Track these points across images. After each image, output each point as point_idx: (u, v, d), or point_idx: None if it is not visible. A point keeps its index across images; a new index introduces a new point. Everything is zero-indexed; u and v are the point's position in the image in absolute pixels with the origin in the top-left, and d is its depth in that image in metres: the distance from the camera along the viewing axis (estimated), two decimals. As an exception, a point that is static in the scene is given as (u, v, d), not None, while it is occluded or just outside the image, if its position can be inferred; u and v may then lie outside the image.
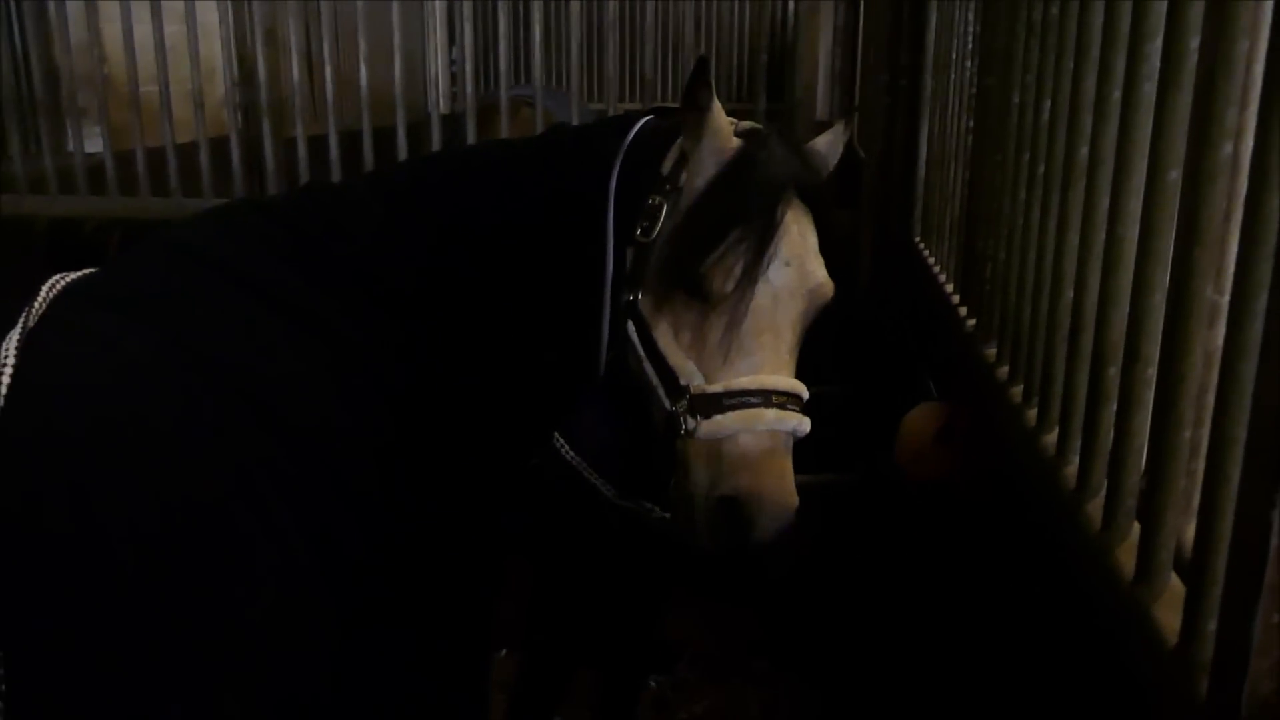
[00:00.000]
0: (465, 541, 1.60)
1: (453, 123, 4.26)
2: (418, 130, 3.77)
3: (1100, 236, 1.48)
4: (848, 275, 1.66)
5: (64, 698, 1.23)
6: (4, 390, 1.27)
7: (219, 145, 3.82)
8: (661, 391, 1.50)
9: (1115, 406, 1.39)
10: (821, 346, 1.65)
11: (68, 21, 3.72)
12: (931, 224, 3.12)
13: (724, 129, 1.56)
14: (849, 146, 1.82)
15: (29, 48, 4.23)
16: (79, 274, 1.49)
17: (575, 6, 3.63)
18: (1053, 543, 1.60)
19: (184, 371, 1.36)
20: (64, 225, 4.04)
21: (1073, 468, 1.54)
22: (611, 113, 3.66)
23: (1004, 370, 1.99)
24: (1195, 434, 1.20)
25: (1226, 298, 1.09)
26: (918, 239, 3.31)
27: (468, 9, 3.77)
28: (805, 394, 1.50)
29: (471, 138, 3.67)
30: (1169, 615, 1.18)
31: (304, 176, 3.75)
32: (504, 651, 2.90)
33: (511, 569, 1.82)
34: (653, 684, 3.12)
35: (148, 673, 1.24)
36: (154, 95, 3.70)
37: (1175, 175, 1.23)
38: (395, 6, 3.62)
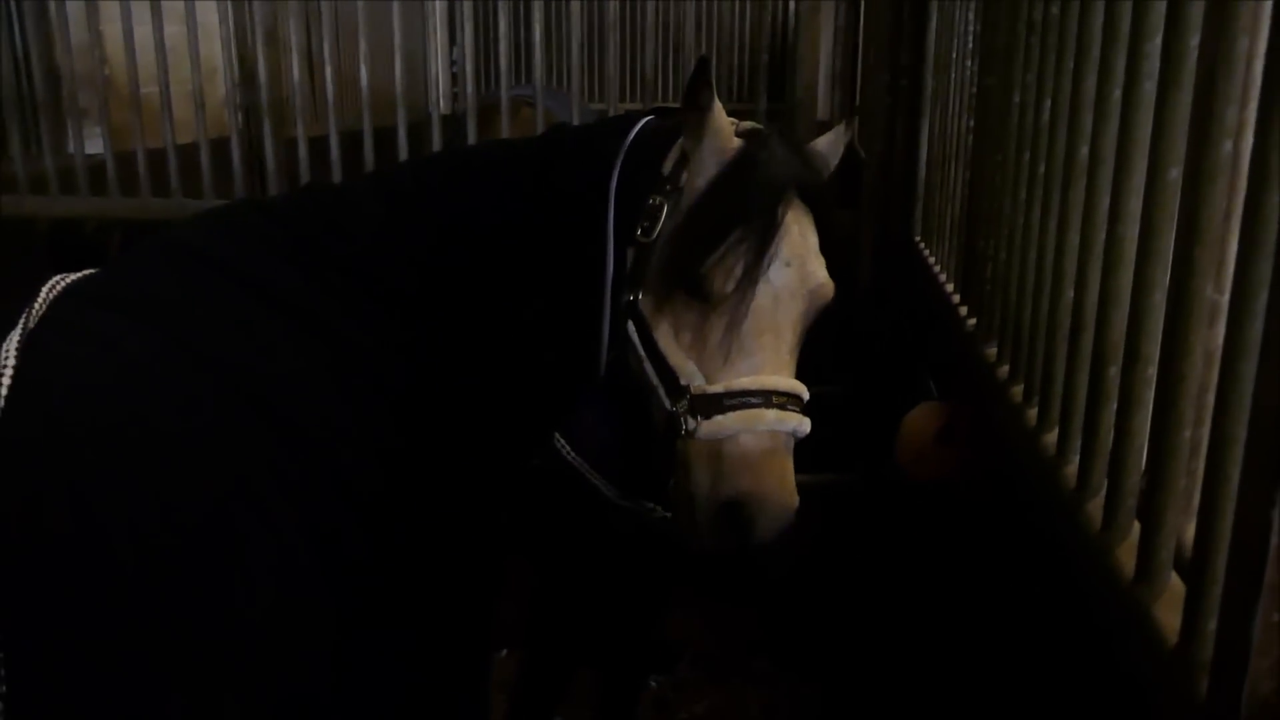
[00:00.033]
0: (466, 541, 1.60)
1: (453, 123, 4.26)
2: (418, 130, 3.77)
3: (1100, 236, 1.48)
4: (848, 275, 1.66)
5: (64, 698, 1.23)
6: (4, 391, 1.27)
7: (220, 146, 3.82)
8: (662, 392, 1.50)
9: (1115, 406, 1.39)
10: (822, 346, 1.65)
11: (68, 22, 3.72)
12: (932, 223, 3.12)
13: (725, 129, 1.56)
14: (850, 147, 1.82)
15: (30, 48, 4.23)
16: (79, 275, 1.49)
17: (576, 6, 3.63)
18: (1053, 542, 1.60)
19: (184, 371, 1.36)
20: (65, 226, 4.04)
21: (1073, 467, 1.54)
22: (612, 113, 3.66)
23: (1004, 370, 1.99)
24: (1195, 433, 1.20)
25: (1227, 297, 1.09)
26: (918, 238, 3.31)
27: (468, 9, 3.77)
28: (805, 394, 1.50)
29: (472, 138, 3.67)
30: (1169, 615, 1.18)
31: (305, 177, 3.75)
32: (504, 651, 2.90)
33: (512, 569, 1.82)
34: (653, 684, 3.13)
35: (147, 672, 1.24)
36: (155, 96, 3.70)
37: (1175, 174, 1.23)
38: (396, 6, 3.62)
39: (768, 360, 1.48)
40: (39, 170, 3.84)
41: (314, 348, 1.45)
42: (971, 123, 2.52)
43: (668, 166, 1.57)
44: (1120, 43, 1.42)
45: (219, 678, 1.28)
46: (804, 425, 1.48)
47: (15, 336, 1.34)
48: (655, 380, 1.51)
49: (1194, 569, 1.11)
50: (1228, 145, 1.08)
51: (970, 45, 2.59)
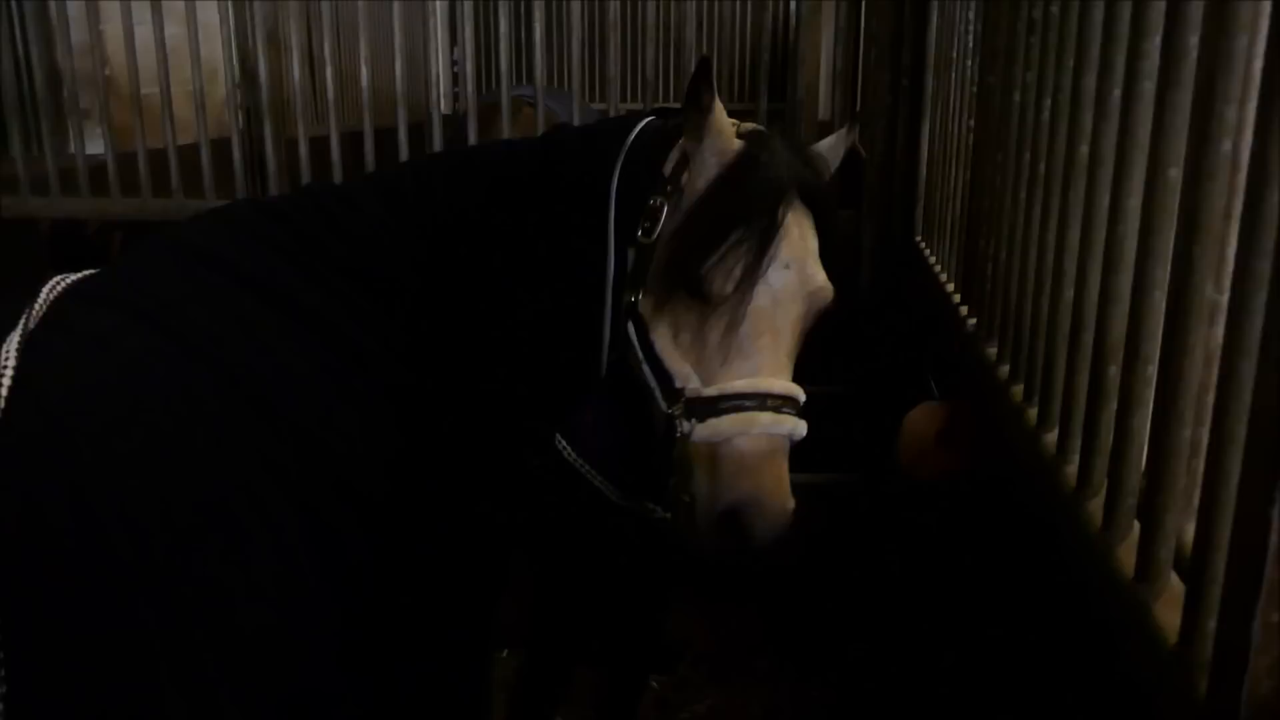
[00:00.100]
0: (467, 541, 1.60)
1: (454, 123, 4.26)
2: (419, 130, 3.77)
3: (1101, 235, 1.48)
4: (849, 275, 1.66)
5: (64, 697, 1.23)
6: (4, 391, 1.28)
7: (221, 146, 3.82)
8: (658, 393, 1.50)
9: (1115, 406, 1.39)
10: (823, 346, 1.65)
11: (69, 22, 3.72)
12: (933, 223, 3.12)
13: (726, 130, 1.56)
14: (851, 148, 1.82)
15: (31, 49, 4.23)
16: (80, 275, 1.49)
17: (576, 6, 3.63)
18: (1053, 542, 1.60)
19: (185, 371, 1.36)
20: (66, 226, 4.04)
21: (1073, 467, 1.54)
22: (613, 113, 3.66)
23: (1005, 369, 1.99)
24: (1195, 433, 1.20)
25: (1226, 296, 1.09)
26: (919, 238, 3.31)
27: (469, 9, 3.76)
28: (802, 397, 1.50)
29: (473, 138, 3.67)
30: (1169, 614, 1.18)
31: (306, 177, 3.75)
32: (505, 651, 2.90)
33: (513, 569, 1.82)
34: (654, 684, 3.12)
35: (147, 672, 1.24)
36: (155, 96, 3.70)
37: (1175, 173, 1.23)
38: (397, 7, 3.62)
39: (765, 362, 1.48)
40: (40, 170, 3.84)
41: (314, 347, 1.45)
42: (972, 122, 2.52)
43: (668, 167, 1.57)
44: (1120, 42, 1.42)
45: (218, 677, 1.28)
46: (800, 428, 1.48)
47: (15, 337, 1.34)
48: (652, 382, 1.51)
49: (1194, 568, 1.11)
50: (1227, 144, 1.08)
51: (971, 45, 2.59)
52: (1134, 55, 1.36)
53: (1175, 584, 1.22)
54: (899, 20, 3.34)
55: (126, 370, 1.34)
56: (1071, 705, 1.63)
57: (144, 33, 3.64)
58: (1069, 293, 1.61)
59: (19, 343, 1.33)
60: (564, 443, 2.05)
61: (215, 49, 3.77)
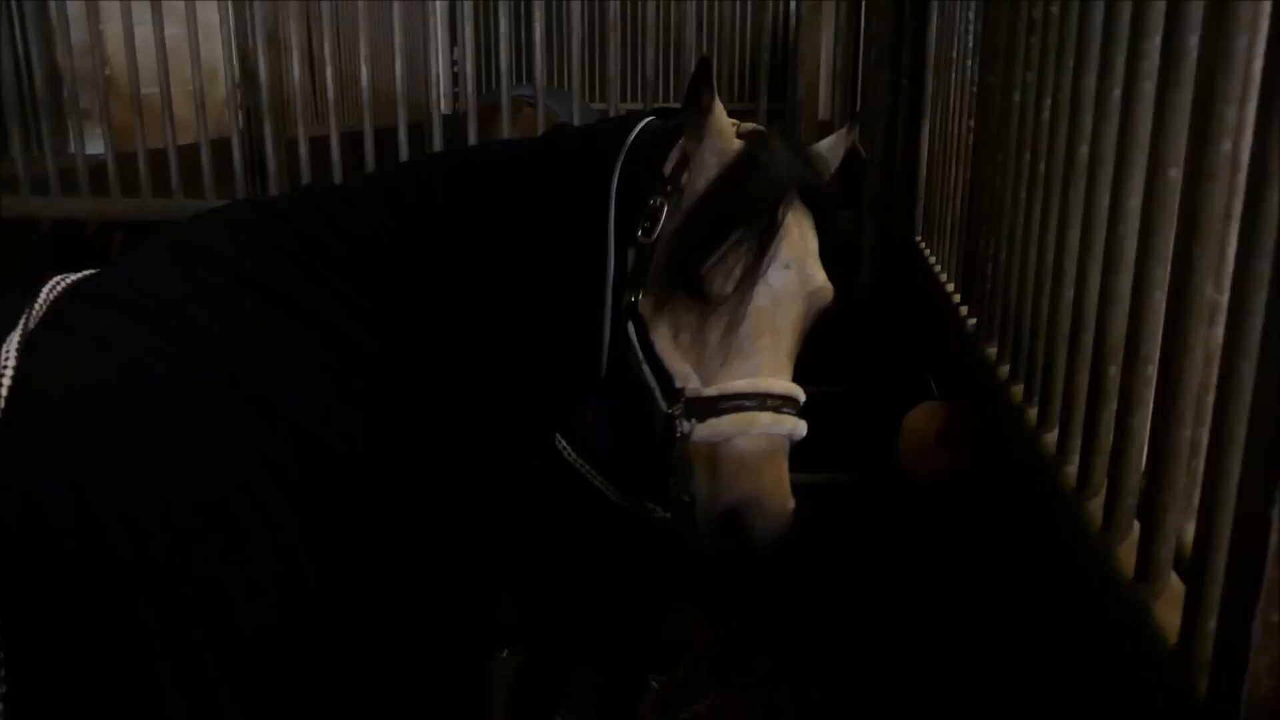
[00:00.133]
0: (467, 540, 1.60)
1: (454, 123, 4.26)
2: (419, 130, 3.77)
3: (1101, 235, 1.48)
4: (849, 275, 1.66)
5: (64, 697, 1.23)
6: (4, 392, 1.28)
7: (221, 146, 3.82)
8: (658, 393, 1.50)
9: (1115, 405, 1.39)
10: (823, 346, 1.65)
11: (69, 22, 3.72)
12: (933, 223, 3.12)
13: (726, 130, 1.56)
14: (851, 148, 1.82)
15: (31, 49, 4.23)
16: (80, 275, 1.49)
17: (576, 6, 3.63)
18: (1053, 542, 1.60)
19: (185, 371, 1.36)
20: (66, 226, 4.04)
21: (1073, 467, 1.54)
22: (613, 113, 3.66)
23: (1005, 369, 1.99)
24: (1195, 433, 1.19)
25: (1226, 296, 1.09)
26: (919, 238, 3.31)
27: (469, 9, 3.76)
28: (802, 397, 1.50)
29: (473, 138, 3.67)
30: (1169, 614, 1.18)
31: (306, 177, 3.75)
32: (505, 651, 2.90)
33: (513, 569, 1.82)
34: (654, 684, 3.12)
35: (147, 672, 1.24)
36: (155, 96, 3.70)
37: (1175, 173, 1.23)
38: (397, 7, 3.62)
39: (765, 362, 1.48)
40: (40, 170, 3.84)
41: (314, 347, 1.45)
42: (972, 122, 2.52)
43: (668, 167, 1.57)
44: (1120, 41, 1.42)
45: (218, 677, 1.28)
46: (799, 428, 1.48)
47: (15, 337, 1.34)
48: (652, 382, 1.51)
49: (1194, 568, 1.11)
50: (1227, 144, 1.08)
51: (971, 45, 2.59)
52: (1134, 55, 1.36)
53: (1175, 584, 1.22)
54: (899, 20, 3.34)
55: (126, 370, 1.34)
56: (1071, 705, 1.63)
57: (144, 33, 3.64)
58: (1069, 293, 1.61)
59: (19, 343, 1.33)
60: (564, 443, 2.05)
61: (215, 49, 3.77)
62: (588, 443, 2.06)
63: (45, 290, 1.43)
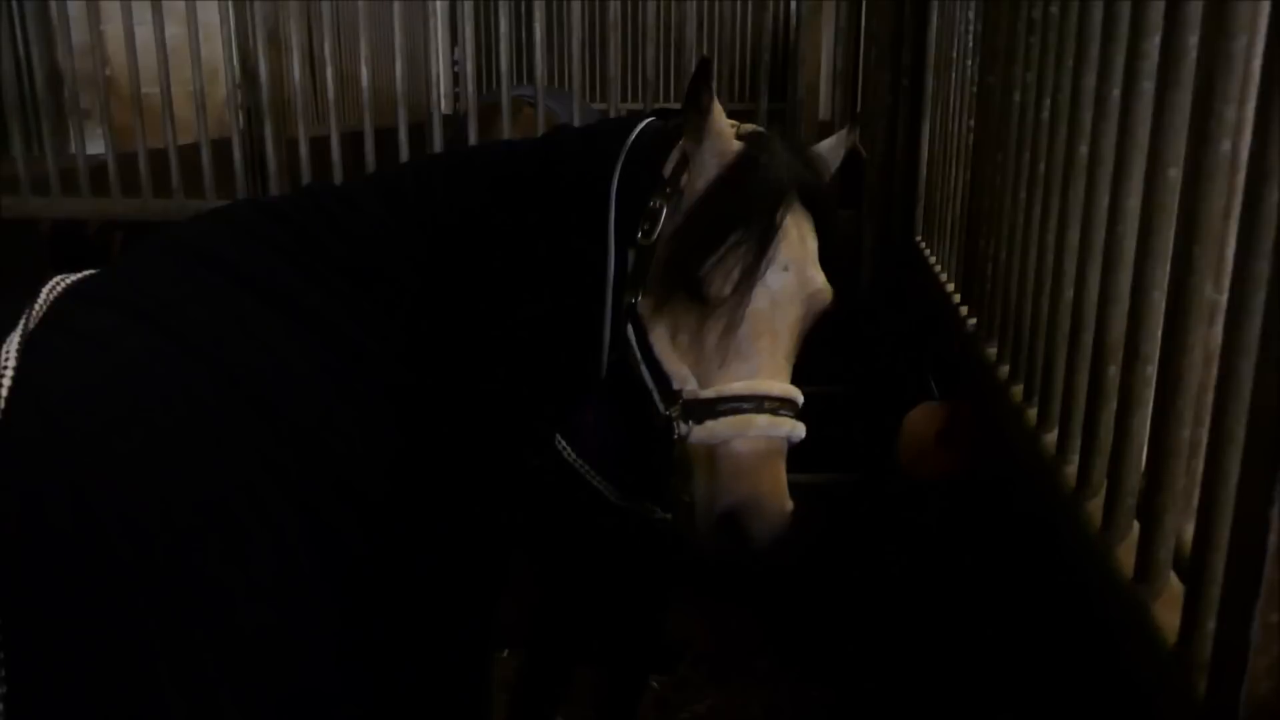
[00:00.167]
0: (467, 540, 1.60)
1: (455, 123, 4.26)
2: (420, 131, 3.77)
3: (1100, 235, 1.48)
4: (849, 275, 1.66)
5: (64, 697, 1.23)
6: (4, 393, 1.28)
7: (221, 146, 3.82)
8: (656, 395, 1.50)
9: (1115, 405, 1.39)
10: (823, 346, 1.65)
11: (70, 23, 3.72)
12: (933, 223, 3.12)
13: (725, 131, 1.56)
14: (852, 148, 1.82)
15: (31, 49, 4.24)
16: (80, 275, 1.49)
17: (577, 6, 3.63)
18: (1053, 542, 1.60)
19: (185, 371, 1.36)
20: (66, 226, 4.04)
21: (1073, 467, 1.54)
22: (614, 113, 3.66)
23: (1005, 370, 1.99)
24: (1195, 433, 1.19)
25: (1226, 295, 1.09)
26: (919, 238, 3.31)
27: (469, 9, 3.77)
28: (800, 399, 1.50)
29: (473, 138, 3.67)
30: (1168, 614, 1.18)
31: (306, 177, 3.75)
32: (505, 651, 2.90)
33: (513, 569, 1.82)
34: (654, 684, 3.12)
35: (147, 671, 1.24)
36: (156, 96, 3.70)
37: (1174, 173, 1.23)
38: (397, 7, 3.62)
39: (764, 364, 1.48)
40: (41, 170, 3.85)
41: (314, 347, 1.45)
42: (972, 122, 2.52)
43: (668, 168, 1.56)
44: (1119, 41, 1.42)
45: (218, 677, 1.28)
46: (798, 430, 1.48)
47: (16, 337, 1.34)
48: (650, 383, 1.51)
49: (1193, 568, 1.11)
50: (1226, 144, 1.08)
51: (971, 45, 2.59)
52: (1133, 55, 1.36)
53: (1174, 584, 1.22)
54: (899, 20, 3.34)
55: (126, 370, 1.34)
56: (1071, 705, 1.63)
57: (144, 33, 3.65)
58: (1069, 293, 1.61)
59: (19, 343, 1.33)
60: (564, 443, 2.06)
61: (216, 49, 3.77)
62: (587, 443, 2.06)
63: (45, 290, 1.43)
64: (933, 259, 3.02)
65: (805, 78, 3.73)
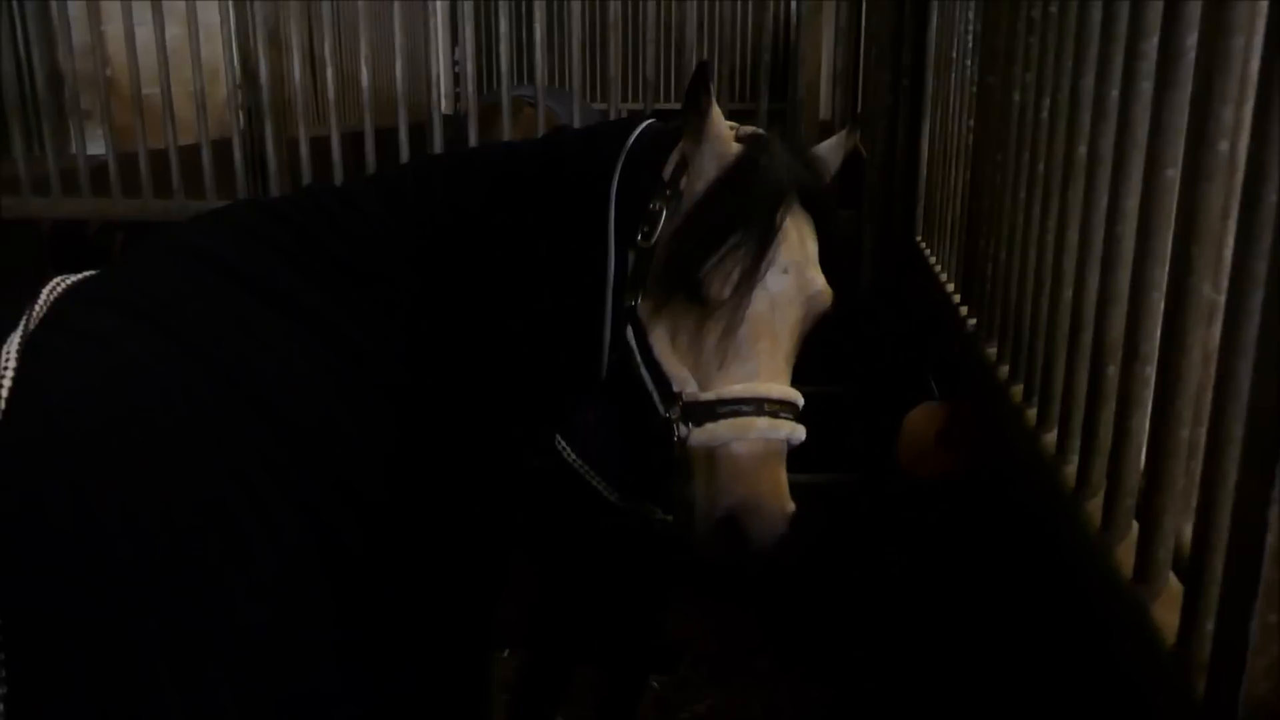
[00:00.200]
0: (466, 540, 1.60)
1: (455, 123, 4.26)
2: (420, 131, 3.78)
3: (1099, 235, 1.48)
4: (850, 275, 1.66)
5: (64, 697, 1.23)
6: (5, 393, 1.28)
7: (222, 146, 3.82)
8: (656, 397, 1.50)
9: (1114, 406, 1.39)
10: (823, 346, 1.65)
11: (70, 23, 3.72)
12: (933, 223, 3.12)
13: (725, 134, 1.56)
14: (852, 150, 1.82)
15: (32, 49, 4.24)
16: (80, 275, 1.50)
17: (577, 6, 3.63)
18: (1052, 542, 1.60)
19: (184, 371, 1.36)
20: (67, 226, 4.05)
21: (1072, 467, 1.54)
22: (614, 112, 3.66)
23: (1004, 370, 1.99)
24: (1194, 433, 1.20)
25: (1224, 296, 1.09)
26: (919, 238, 3.31)
27: (469, 9, 3.77)
28: (800, 402, 1.50)
29: (473, 138, 3.67)
30: (1167, 614, 1.18)
31: (307, 177, 3.75)
32: (506, 651, 2.91)
33: (514, 569, 1.82)
34: (655, 684, 3.12)
35: (147, 671, 1.24)
36: (157, 96, 3.70)
37: (1172, 173, 1.23)
38: (397, 7, 3.63)
39: (763, 367, 1.47)
40: (41, 171, 3.85)
41: (314, 347, 1.45)
42: (972, 122, 2.52)
43: (668, 171, 1.56)
44: (1118, 42, 1.42)
45: (218, 677, 1.28)
46: (798, 433, 1.47)
47: (16, 338, 1.34)
48: (650, 385, 1.51)
49: (1192, 569, 1.11)
50: (1224, 145, 1.08)
51: (971, 45, 2.59)
52: (1132, 55, 1.36)
53: (1174, 584, 1.23)
54: (899, 20, 3.34)
55: (126, 370, 1.34)
56: (1071, 705, 1.64)
57: (145, 33, 3.65)
58: (1068, 293, 1.61)
59: (19, 344, 1.34)
60: (563, 444, 2.06)
61: (216, 49, 3.77)
62: (588, 444, 2.06)
63: (46, 291, 1.43)
64: (933, 259, 3.02)
65: (805, 78, 3.73)
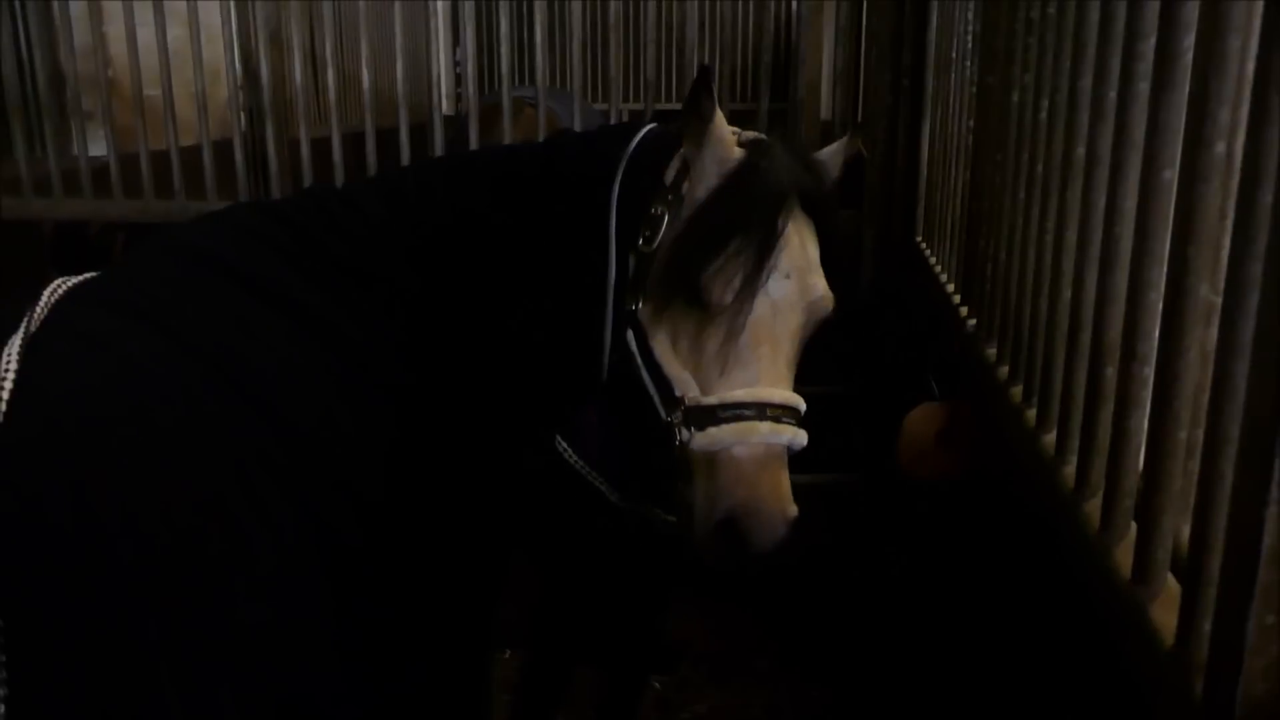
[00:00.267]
0: (466, 540, 1.61)
1: (456, 124, 4.26)
2: (421, 131, 3.78)
3: (1097, 236, 1.48)
4: (850, 275, 1.66)
5: (64, 697, 1.24)
6: (6, 395, 1.28)
7: (223, 147, 3.83)
8: (657, 401, 1.50)
9: (1113, 406, 1.39)
10: (824, 346, 1.65)
11: (72, 24, 3.73)
12: (933, 223, 3.12)
13: (727, 138, 1.56)
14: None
15: (33, 50, 4.24)
16: (82, 277, 1.50)
17: (577, 7, 3.63)
18: (1052, 542, 1.60)
19: (184, 371, 1.37)
20: (69, 227, 4.05)
21: (1071, 467, 1.54)
22: (615, 112, 3.66)
23: (1004, 370, 1.99)
24: (1192, 434, 1.20)
25: (1221, 297, 1.09)
26: (919, 239, 3.31)
27: (470, 10, 3.76)
28: (802, 407, 1.50)
29: (474, 139, 3.67)
30: (1166, 615, 1.18)
31: (308, 178, 3.75)
32: (507, 652, 2.91)
33: (515, 569, 1.82)
34: (656, 684, 3.13)
35: (147, 671, 1.25)
36: (158, 97, 3.70)
37: (1170, 174, 1.23)
38: (398, 7, 3.63)
39: (765, 372, 1.47)
40: (43, 172, 3.85)
41: (314, 347, 1.46)
42: (972, 123, 2.52)
43: (669, 175, 1.56)
44: (1115, 43, 1.42)
45: (218, 675, 1.28)
46: (799, 438, 1.48)
47: (17, 339, 1.35)
48: (652, 389, 1.51)
49: (1190, 570, 1.11)
50: (1221, 146, 1.08)
51: (970, 45, 2.59)
52: (1129, 56, 1.36)
53: (1172, 585, 1.23)
54: (899, 20, 3.34)
55: (127, 371, 1.35)
56: (1070, 705, 1.64)
57: (147, 34, 3.65)
58: (1067, 293, 1.61)
59: (20, 345, 1.34)
60: (564, 444, 2.06)
61: (218, 50, 3.77)
62: (588, 444, 2.06)
63: (47, 292, 1.44)
64: (933, 259, 3.02)
65: (806, 78, 3.73)
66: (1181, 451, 1.20)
